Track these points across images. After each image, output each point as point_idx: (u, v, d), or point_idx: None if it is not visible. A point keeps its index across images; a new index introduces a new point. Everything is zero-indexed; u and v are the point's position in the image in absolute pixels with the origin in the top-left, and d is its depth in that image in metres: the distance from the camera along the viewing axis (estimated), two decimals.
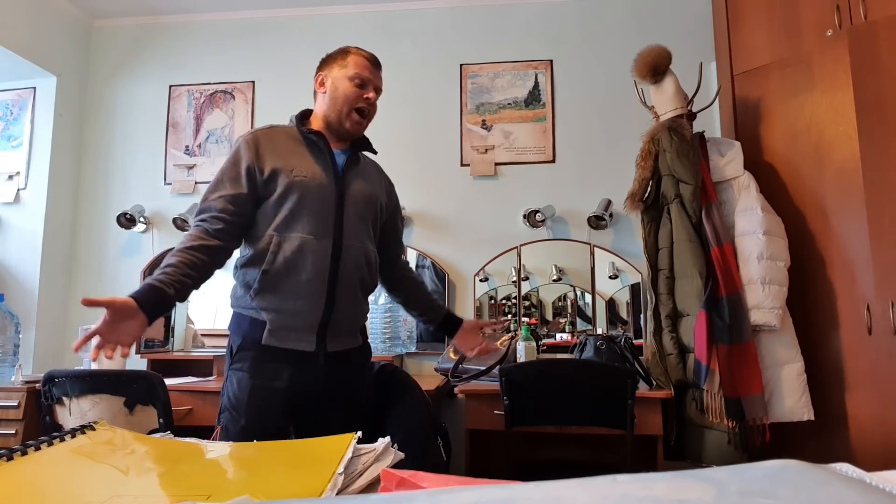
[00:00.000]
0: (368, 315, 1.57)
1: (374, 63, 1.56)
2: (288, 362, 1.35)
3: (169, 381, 2.24)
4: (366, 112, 1.53)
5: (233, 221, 1.36)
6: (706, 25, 2.75)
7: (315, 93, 1.59)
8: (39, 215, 3.04)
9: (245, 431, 1.30)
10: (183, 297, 1.27)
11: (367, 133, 1.64)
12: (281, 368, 1.35)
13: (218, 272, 1.37)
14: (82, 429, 0.73)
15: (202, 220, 1.35)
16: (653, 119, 2.36)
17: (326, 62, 1.59)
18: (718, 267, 2.07)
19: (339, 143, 1.54)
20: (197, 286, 1.31)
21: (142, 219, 3.11)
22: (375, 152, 1.65)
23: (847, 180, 2.07)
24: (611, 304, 2.83)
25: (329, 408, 1.41)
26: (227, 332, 1.43)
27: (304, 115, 1.58)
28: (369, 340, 1.59)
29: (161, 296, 1.21)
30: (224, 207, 1.35)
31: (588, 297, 2.84)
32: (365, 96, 1.52)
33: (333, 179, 1.44)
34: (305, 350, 1.36)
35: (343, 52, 1.56)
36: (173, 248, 1.30)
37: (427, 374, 2.82)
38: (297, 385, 1.36)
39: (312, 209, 1.38)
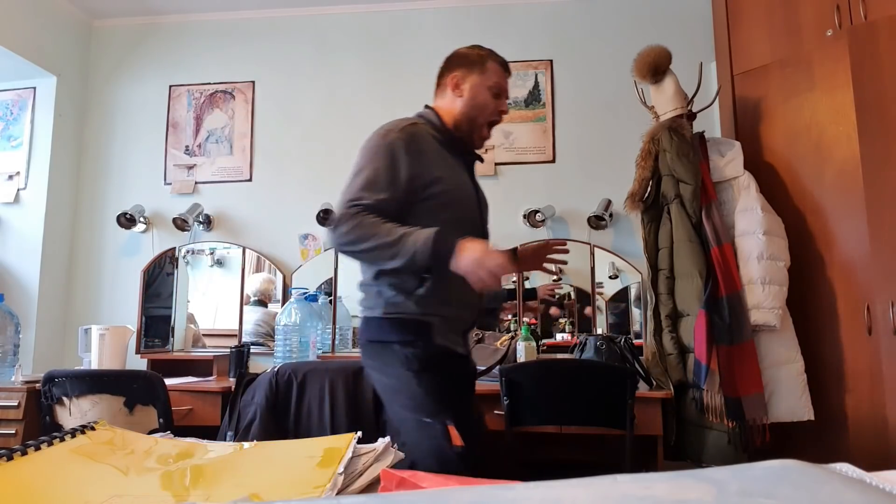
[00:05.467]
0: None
1: (507, 69, 1.50)
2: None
3: (169, 381, 2.24)
4: (497, 124, 1.50)
5: None
6: (706, 25, 2.75)
7: (442, 90, 1.51)
8: (39, 215, 3.04)
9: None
10: None
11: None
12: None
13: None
14: (82, 429, 0.73)
15: (363, 207, 1.29)
16: (653, 119, 2.36)
17: (462, 64, 1.49)
18: (718, 267, 2.07)
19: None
20: None
21: (142, 219, 3.11)
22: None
23: (847, 180, 2.07)
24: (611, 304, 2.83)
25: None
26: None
27: (434, 114, 1.49)
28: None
29: None
30: (376, 207, 1.30)
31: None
32: (500, 109, 1.47)
33: (472, 186, 1.48)
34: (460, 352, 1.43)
35: (481, 57, 1.49)
36: (378, 225, 1.26)
37: None
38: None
39: (466, 219, 1.41)
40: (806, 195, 2.21)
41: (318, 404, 1.74)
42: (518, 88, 3.06)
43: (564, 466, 2.31)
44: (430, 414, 1.29)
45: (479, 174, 2.98)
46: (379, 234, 1.25)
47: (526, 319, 2.82)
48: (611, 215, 2.80)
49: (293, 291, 2.74)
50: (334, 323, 2.96)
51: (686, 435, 2.09)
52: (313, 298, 2.77)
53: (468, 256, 1.21)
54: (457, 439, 1.27)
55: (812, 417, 2.00)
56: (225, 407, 2.28)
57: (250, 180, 3.17)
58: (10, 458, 0.60)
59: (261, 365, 2.79)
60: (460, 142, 1.47)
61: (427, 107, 1.53)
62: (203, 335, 3.14)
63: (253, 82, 3.24)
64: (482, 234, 1.45)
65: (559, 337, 2.85)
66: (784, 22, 2.34)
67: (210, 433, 1.66)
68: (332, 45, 3.22)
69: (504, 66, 1.50)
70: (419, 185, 1.34)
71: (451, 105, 1.48)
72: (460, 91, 1.46)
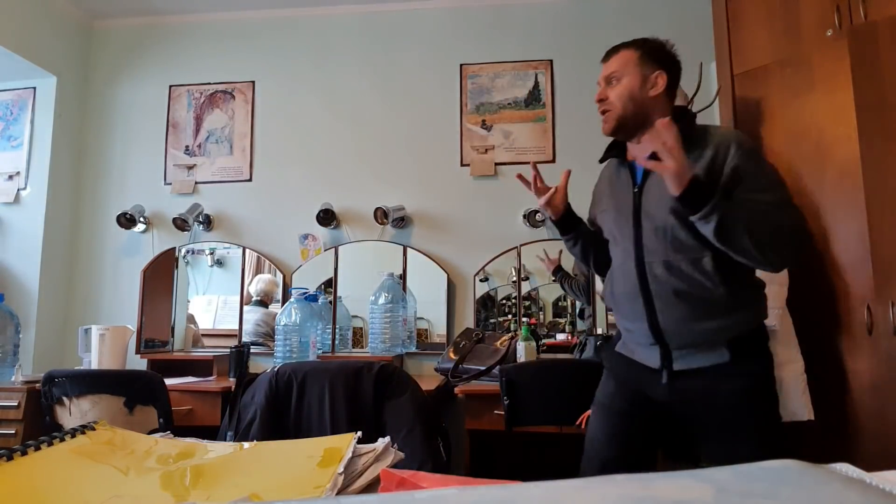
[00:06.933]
0: (719, 325, 1.29)
1: (603, 59, 1.45)
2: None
3: (169, 381, 2.24)
4: (603, 110, 1.41)
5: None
6: (706, 25, 2.74)
7: None
8: (39, 215, 3.04)
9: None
10: (582, 234, 1.55)
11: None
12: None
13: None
14: (82, 429, 0.73)
15: None
16: None
17: None
18: None
19: (640, 148, 1.42)
20: (587, 246, 1.55)
21: (142, 219, 3.11)
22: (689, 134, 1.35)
23: (847, 180, 2.07)
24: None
25: (675, 425, 1.40)
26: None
27: None
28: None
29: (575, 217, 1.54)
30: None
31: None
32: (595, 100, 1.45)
33: (631, 196, 1.40)
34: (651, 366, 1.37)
35: None
36: None
37: (427, 374, 2.82)
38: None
39: (615, 232, 1.45)
40: (806, 195, 2.21)
41: (318, 404, 1.74)
42: (518, 88, 3.07)
43: (564, 467, 2.31)
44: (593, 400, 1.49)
45: (479, 174, 3.00)
46: None
47: (526, 319, 2.82)
48: None
49: (293, 291, 2.75)
50: (334, 323, 2.96)
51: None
52: (313, 298, 2.77)
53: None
54: (583, 423, 1.56)
55: (812, 417, 2.00)
56: (225, 407, 2.28)
57: (250, 180, 3.17)
58: (10, 458, 0.60)
59: (261, 365, 2.79)
60: (623, 149, 1.51)
61: None
62: (203, 335, 3.14)
63: (253, 82, 3.24)
64: (636, 244, 1.37)
65: (559, 337, 2.85)
66: (784, 22, 2.34)
67: (210, 433, 1.66)
68: (332, 45, 3.22)
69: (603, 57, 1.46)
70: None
71: None
72: None
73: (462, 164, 3.04)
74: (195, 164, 3.21)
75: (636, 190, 1.38)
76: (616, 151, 1.49)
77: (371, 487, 0.65)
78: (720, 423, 1.30)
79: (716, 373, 1.29)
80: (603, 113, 1.41)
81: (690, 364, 1.31)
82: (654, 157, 1.22)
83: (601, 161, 1.53)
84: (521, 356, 2.45)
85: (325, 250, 3.04)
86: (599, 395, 1.49)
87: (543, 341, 2.81)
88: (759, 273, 1.38)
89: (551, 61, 3.07)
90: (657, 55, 1.40)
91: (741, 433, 1.29)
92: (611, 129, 1.41)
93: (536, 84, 3.06)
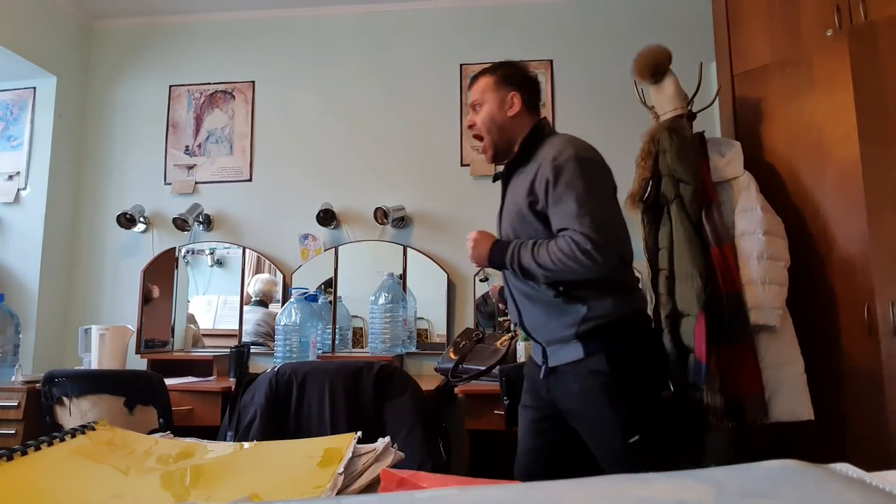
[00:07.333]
0: (563, 322, 1.36)
1: (469, 86, 1.60)
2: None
3: (169, 381, 2.24)
4: (475, 135, 1.56)
5: None
6: (706, 25, 2.75)
7: None
8: (39, 215, 3.04)
9: None
10: None
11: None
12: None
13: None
14: (82, 429, 0.73)
15: None
16: (652, 119, 2.36)
17: None
18: (718, 267, 2.07)
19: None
20: None
21: (142, 219, 3.11)
22: (520, 160, 1.49)
23: (847, 180, 2.07)
24: None
25: (554, 421, 1.46)
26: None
27: None
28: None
29: None
30: None
31: None
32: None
33: (499, 208, 1.57)
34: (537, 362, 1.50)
35: None
36: None
37: (427, 374, 2.82)
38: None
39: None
40: (806, 195, 2.21)
41: (318, 404, 1.74)
42: None
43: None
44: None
45: (480, 174, 3.01)
46: None
47: None
48: None
49: (293, 291, 2.75)
50: (334, 323, 2.96)
51: (685, 435, 2.09)
52: (313, 298, 2.77)
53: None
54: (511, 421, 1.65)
55: (812, 417, 2.00)
56: (225, 407, 2.28)
57: (250, 180, 3.17)
58: (10, 458, 0.60)
59: (261, 365, 2.79)
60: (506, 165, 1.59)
61: None
62: (203, 335, 3.14)
63: (253, 82, 3.24)
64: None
65: None
66: (784, 22, 2.34)
67: (210, 433, 1.66)
68: (332, 45, 3.22)
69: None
70: None
71: None
72: None
73: (462, 164, 3.04)
74: (195, 164, 3.21)
75: (501, 203, 1.55)
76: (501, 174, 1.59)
77: (371, 487, 0.65)
78: (580, 422, 1.38)
79: (575, 370, 1.36)
80: (477, 139, 1.54)
81: (555, 361, 1.40)
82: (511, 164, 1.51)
83: (493, 181, 1.62)
84: (521, 356, 2.45)
85: (325, 250, 3.03)
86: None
87: None
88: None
89: (551, 61, 3.07)
90: (510, 77, 1.51)
91: (593, 436, 1.37)
92: (490, 157, 1.53)
93: None
